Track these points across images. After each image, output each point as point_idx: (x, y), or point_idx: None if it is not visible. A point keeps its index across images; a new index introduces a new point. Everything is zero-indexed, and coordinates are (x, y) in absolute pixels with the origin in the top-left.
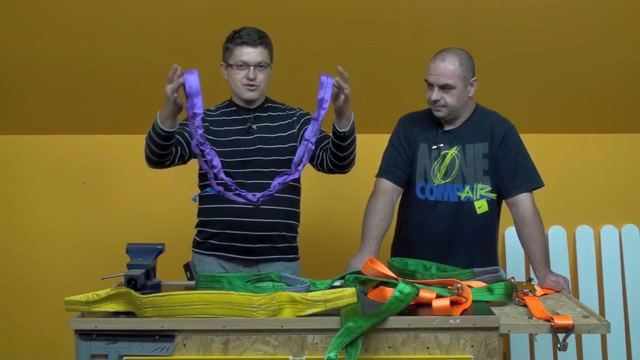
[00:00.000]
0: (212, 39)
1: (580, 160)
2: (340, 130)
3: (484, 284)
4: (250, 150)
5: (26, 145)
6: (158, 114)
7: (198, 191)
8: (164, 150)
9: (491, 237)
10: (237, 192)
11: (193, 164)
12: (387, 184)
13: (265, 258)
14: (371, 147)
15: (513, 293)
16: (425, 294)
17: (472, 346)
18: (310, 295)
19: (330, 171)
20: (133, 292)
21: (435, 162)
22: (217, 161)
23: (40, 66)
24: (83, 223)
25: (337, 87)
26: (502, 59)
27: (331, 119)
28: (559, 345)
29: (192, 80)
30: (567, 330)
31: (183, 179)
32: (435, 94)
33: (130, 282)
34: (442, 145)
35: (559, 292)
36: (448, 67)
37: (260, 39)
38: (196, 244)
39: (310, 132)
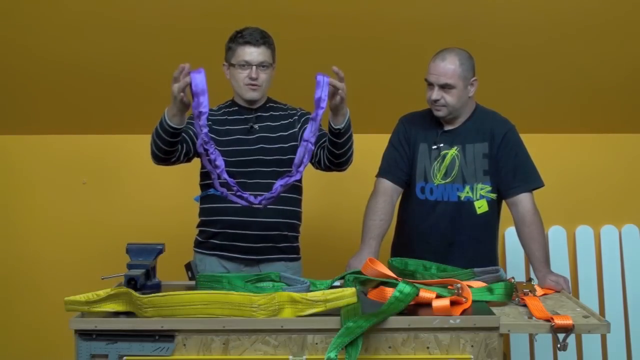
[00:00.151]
0: (214, 40)
1: (580, 160)
2: (336, 127)
3: (484, 284)
4: (252, 149)
5: (26, 145)
6: (166, 110)
7: (199, 191)
8: (171, 147)
9: (491, 237)
10: (239, 193)
11: (194, 164)
12: (387, 184)
13: (267, 258)
14: (371, 147)
15: (513, 293)
16: (425, 294)
17: (472, 346)
18: (310, 295)
19: (327, 169)
20: (133, 292)
21: (435, 162)
22: (220, 161)
23: (40, 66)
24: (83, 223)
25: (333, 87)
26: (502, 59)
27: (327, 116)
28: (559, 345)
29: (199, 79)
30: (567, 330)
31: (184, 179)
32: (436, 94)
33: (130, 282)
34: (442, 145)
35: (559, 292)
36: (448, 66)
37: (262, 38)
38: (197, 244)
39: (309, 132)
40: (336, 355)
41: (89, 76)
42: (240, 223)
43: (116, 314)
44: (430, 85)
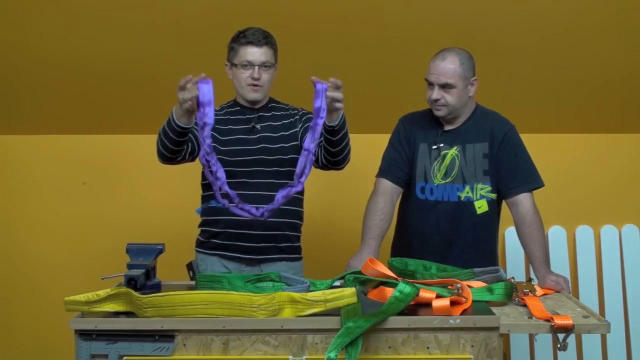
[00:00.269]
0: (217, 38)
1: (580, 160)
2: (329, 125)
3: (484, 284)
4: (254, 149)
5: (26, 145)
6: (174, 110)
7: (199, 191)
8: (178, 146)
9: (491, 237)
10: (240, 206)
11: (196, 163)
12: (387, 184)
13: (268, 257)
14: (371, 147)
15: (513, 293)
16: (425, 294)
17: (472, 346)
18: (310, 295)
19: (325, 167)
20: (133, 292)
21: (435, 162)
22: (222, 173)
23: (40, 66)
24: (83, 223)
25: (331, 99)
26: (502, 58)
27: None
28: (559, 345)
29: (206, 89)
30: (567, 330)
31: (185, 179)
32: (436, 93)
33: (130, 282)
34: (442, 145)
35: (559, 292)
36: (448, 66)
37: (265, 39)
38: (199, 244)
39: (310, 142)
40: (336, 355)
41: (90, 76)
42: (242, 223)
43: (116, 314)
44: (431, 85)
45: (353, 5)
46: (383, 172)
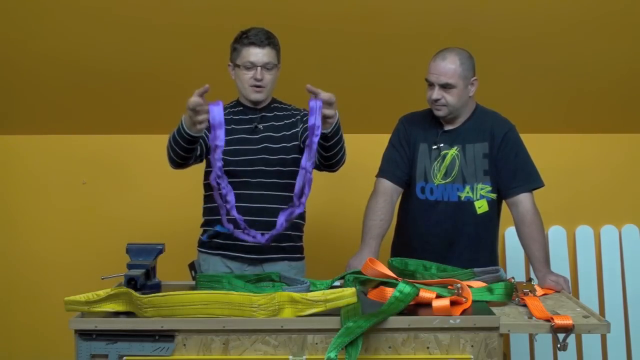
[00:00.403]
0: (217, 40)
1: (580, 160)
2: (322, 131)
3: (484, 284)
4: (256, 149)
5: (26, 145)
6: (183, 119)
7: (201, 190)
8: (189, 153)
9: (491, 237)
10: (246, 231)
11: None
12: (387, 184)
13: (270, 257)
14: (371, 147)
15: (513, 293)
16: (425, 294)
17: (472, 346)
18: (310, 295)
19: (317, 168)
20: (133, 292)
21: (436, 162)
22: (231, 197)
23: (40, 66)
24: (83, 223)
25: (325, 117)
26: (503, 57)
27: None
28: (559, 345)
29: (216, 111)
30: (567, 330)
31: (186, 179)
32: (436, 93)
33: (130, 282)
34: (442, 145)
35: (559, 292)
36: (449, 66)
37: (267, 39)
38: (201, 243)
39: (306, 160)
40: (336, 355)
41: (90, 76)
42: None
43: (116, 314)
44: (431, 84)
45: (354, 5)
46: (383, 172)
